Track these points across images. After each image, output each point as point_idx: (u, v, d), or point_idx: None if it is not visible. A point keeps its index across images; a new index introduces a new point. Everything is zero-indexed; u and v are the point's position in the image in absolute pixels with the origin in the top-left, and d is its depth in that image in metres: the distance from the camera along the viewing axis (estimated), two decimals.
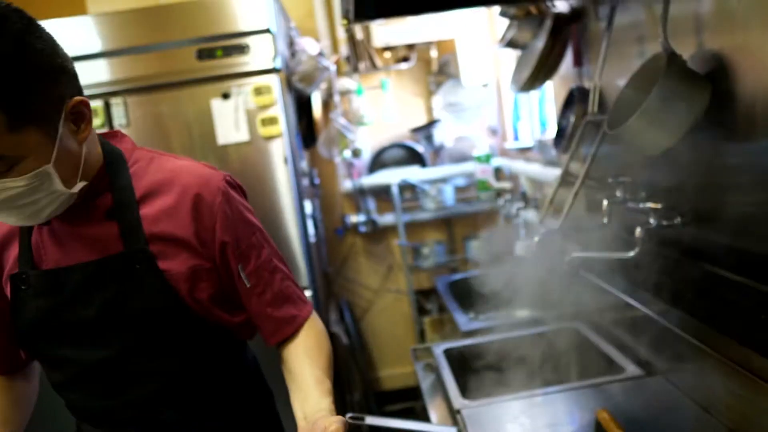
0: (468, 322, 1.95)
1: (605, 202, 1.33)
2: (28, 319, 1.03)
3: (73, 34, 2.21)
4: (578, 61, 1.89)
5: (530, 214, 2.41)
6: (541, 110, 2.71)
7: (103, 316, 1.00)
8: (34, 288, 1.01)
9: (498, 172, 3.10)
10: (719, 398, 1.16)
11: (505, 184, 2.92)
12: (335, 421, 0.90)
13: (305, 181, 2.67)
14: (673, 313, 1.31)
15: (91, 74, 2.25)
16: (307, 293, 2.46)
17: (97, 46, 2.27)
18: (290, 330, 1.12)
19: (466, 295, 2.38)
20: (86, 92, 2.04)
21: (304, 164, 2.68)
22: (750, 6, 1.04)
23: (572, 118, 1.81)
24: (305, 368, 1.06)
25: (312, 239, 2.62)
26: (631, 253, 1.29)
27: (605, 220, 1.34)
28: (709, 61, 1.16)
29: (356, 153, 3.24)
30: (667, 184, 1.37)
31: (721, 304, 1.19)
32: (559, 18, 1.81)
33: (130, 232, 1.00)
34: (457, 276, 2.64)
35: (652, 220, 1.29)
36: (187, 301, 1.03)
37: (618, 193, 1.34)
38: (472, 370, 1.69)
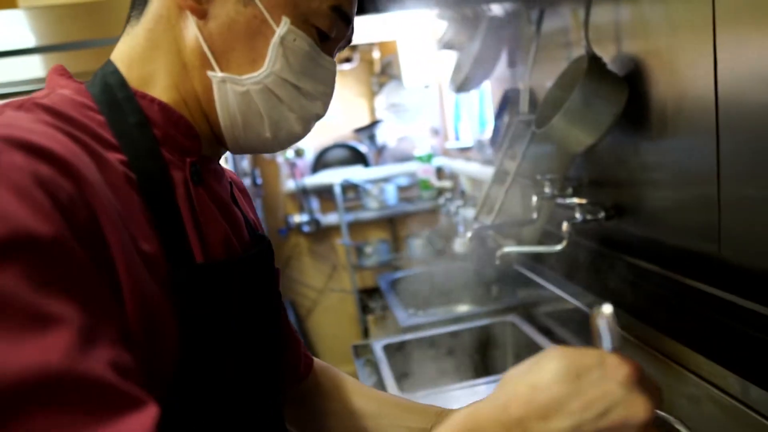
0: (408, 317, 1.99)
1: (534, 198, 1.39)
2: (196, 334, 0.59)
3: (2, 29, 2.14)
4: (512, 63, 1.96)
5: (469, 212, 2.47)
6: (480, 111, 2.78)
7: (250, 319, 0.70)
8: (201, 287, 0.60)
9: (439, 172, 3.17)
10: None
11: (446, 183, 2.99)
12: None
13: (247, 181, 2.66)
14: (598, 303, 1.38)
15: (24, 70, 2.17)
16: None
17: (29, 42, 2.20)
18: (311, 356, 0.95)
19: (408, 293, 2.42)
20: (19, 89, 1.99)
21: (245, 164, 2.67)
22: (660, 15, 1.11)
23: (506, 118, 1.87)
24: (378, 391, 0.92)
25: None
26: (559, 247, 1.35)
27: (535, 215, 1.40)
28: (627, 64, 1.23)
29: (299, 153, 3.25)
30: (592, 180, 1.44)
31: (641, 293, 1.26)
32: (493, 21, 1.87)
33: (247, 216, 0.78)
34: (400, 274, 2.67)
35: (578, 215, 1.35)
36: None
37: (547, 189, 1.40)
38: (412, 364, 1.72)
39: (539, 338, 1.68)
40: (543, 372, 0.46)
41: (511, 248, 1.40)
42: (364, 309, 3.29)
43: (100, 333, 0.42)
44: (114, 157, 0.55)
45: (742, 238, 0.99)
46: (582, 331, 1.49)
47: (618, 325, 0.48)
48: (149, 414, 0.42)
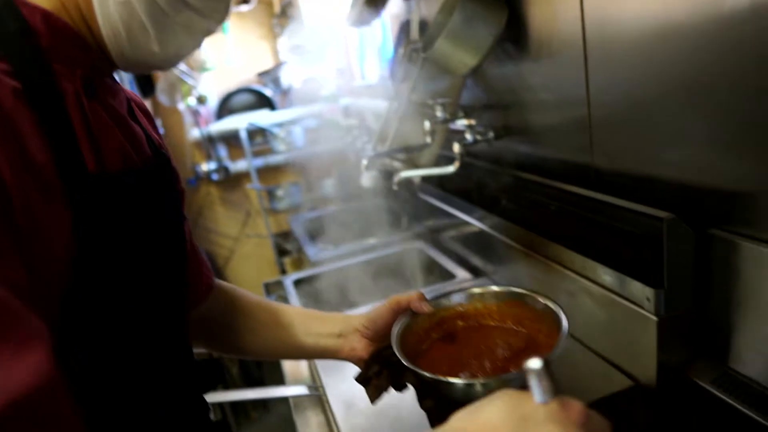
0: (318, 252, 2.03)
1: (427, 123, 1.43)
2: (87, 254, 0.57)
3: None
4: None
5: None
6: (383, 47, 2.78)
7: (149, 233, 0.67)
8: (95, 196, 0.58)
9: (346, 111, 3.17)
10: (528, 287, 1.32)
11: (353, 122, 2.99)
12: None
13: None
14: (492, 219, 1.46)
15: None
16: None
17: None
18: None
19: (322, 231, 2.46)
20: None
21: None
22: None
23: (402, 50, 1.89)
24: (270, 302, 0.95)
25: None
26: (452, 168, 1.41)
27: (428, 139, 1.45)
28: None
29: (201, 100, 3.15)
30: (483, 104, 1.50)
31: (526, 203, 1.35)
32: None
33: (149, 134, 0.74)
34: (312, 214, 2.70)
35: (468, 136, 1.41)
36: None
37: (439, 114, 1.45)
38: (323, 295, 1.77)
39: (444, 260, 1.76)
40: (490, 411, 0.47)
41: (407, 173, 1.45)
42: (281, 252, 3.31)
43: None
44: None
45: (610, 149, 1.09)
46: (479, 248, 1.58)
47: (550, 376, 0.46)
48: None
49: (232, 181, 3.33)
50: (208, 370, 0.78)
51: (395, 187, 1.46)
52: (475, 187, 1.57)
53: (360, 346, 0.83)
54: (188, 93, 3.10)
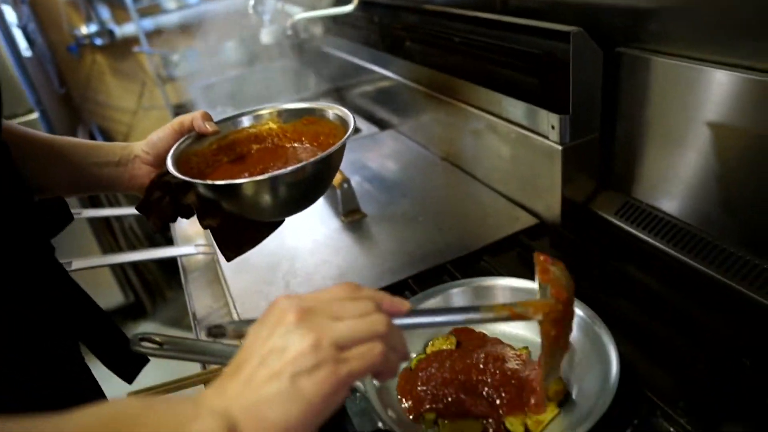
0: (217, 115, 1.87)
1: None
2: None
3: None
4: None
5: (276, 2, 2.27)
6: None
7: None
8: None
9: None
10: (434, 133, 1.25)
11: None
12: None
13: None
14: (395, 64, 1.35)
15: None
16: (33, 116, 2.18)
17: None
18: None
19: (223, 98, 2.28)
20: None
21: None
22: None
23: None
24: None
25: (26, 54, 2.25)
26: (350, 7, 1.27)
27: None
28: None
29: None
30: None
31: (429, 40, 1.24)
32: None
33: None
34: (212, 80, 2.48)
35: None
36: None
37: None
38: None
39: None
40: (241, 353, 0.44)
41: (302, 14, 1.30)
42: None
43: None
44: None
45: None
46: (387, 101, 1.48)
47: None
48: None
49: (120, 48, 2.99)
50: (50, 210, 0.67)
51: (289, 32, 1.31)
52: (378, 30, 1.43)
53: (141, 173, 0.72)
54: None
